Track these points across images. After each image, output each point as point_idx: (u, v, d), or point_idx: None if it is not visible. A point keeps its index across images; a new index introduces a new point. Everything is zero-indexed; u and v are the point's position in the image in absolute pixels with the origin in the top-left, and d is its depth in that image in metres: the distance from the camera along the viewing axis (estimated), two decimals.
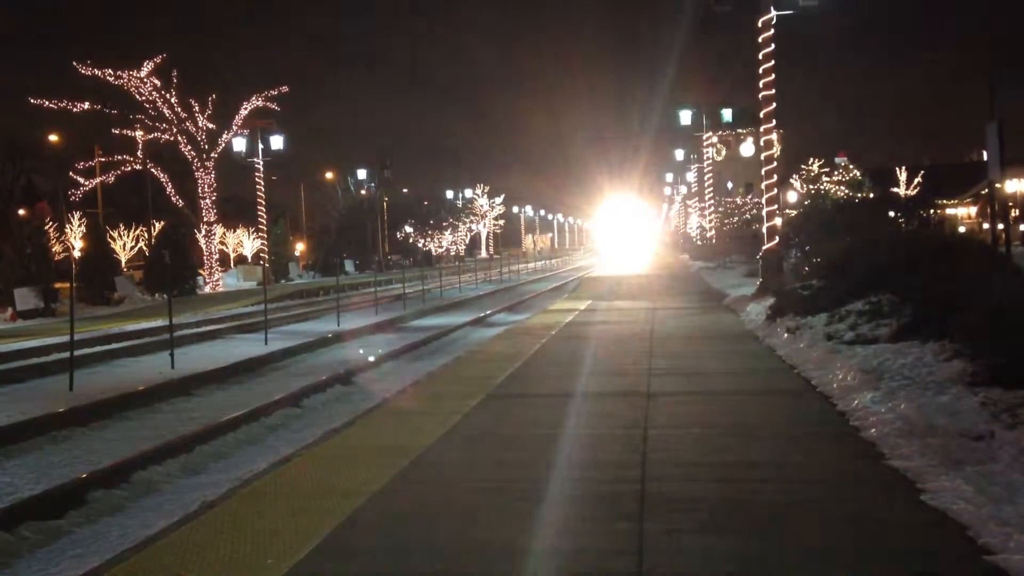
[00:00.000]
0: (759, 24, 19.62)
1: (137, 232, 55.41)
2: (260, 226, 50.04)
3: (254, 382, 14.50)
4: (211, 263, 44.85)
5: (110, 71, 40.78)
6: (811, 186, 73.07)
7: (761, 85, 19.83)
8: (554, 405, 8.67)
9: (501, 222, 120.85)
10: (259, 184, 46.89)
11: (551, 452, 6.71)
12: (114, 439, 10.44)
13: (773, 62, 19.62)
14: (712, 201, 57.06)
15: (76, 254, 45.10)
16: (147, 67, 41.33)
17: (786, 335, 12.16)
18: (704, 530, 4.83)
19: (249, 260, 62.30)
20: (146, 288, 39.32)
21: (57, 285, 31.94)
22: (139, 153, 43.39)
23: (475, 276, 46.18)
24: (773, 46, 19.55)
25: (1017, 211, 53.17)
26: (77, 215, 52.83)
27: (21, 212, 55.13)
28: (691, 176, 75.73)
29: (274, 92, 44.35)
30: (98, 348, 18.97)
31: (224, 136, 44.36)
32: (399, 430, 7.71)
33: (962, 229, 59.73)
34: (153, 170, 44.11)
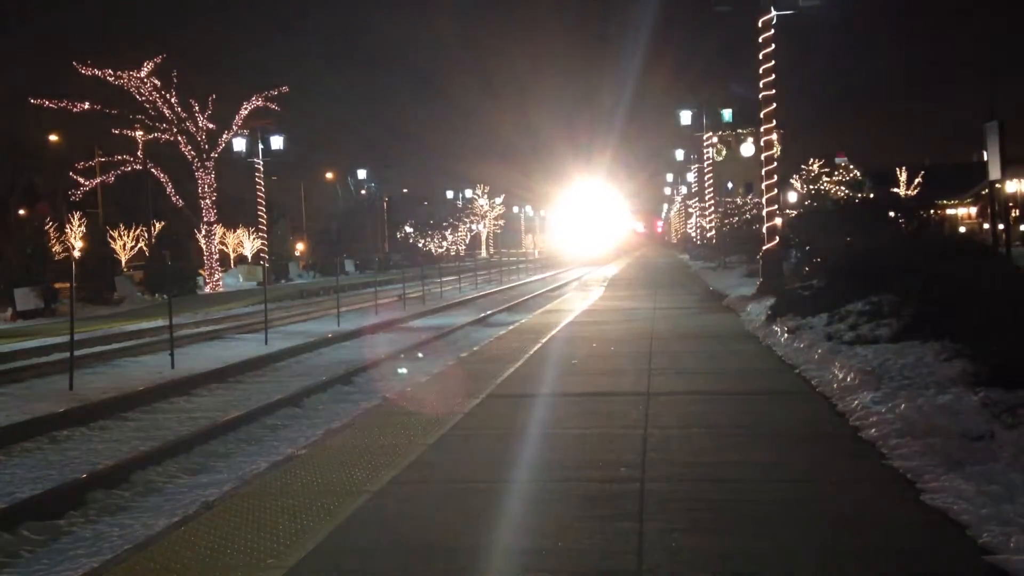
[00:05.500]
0: (759, 24, 19.62)
1: (137, 232, 55.44)
2: (260, 226, 50.07)
3: (254, 382, 14.50)
4: (211, 263, 44.86)
5: (110, 71, 40.79)
6: (811, 186, 73.11)
7: (761, 85, 19.83)
8: (554, 405, 8.67)
9: (501, 222, 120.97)
10: (259, 184, 46.92)
11: (551, 451, 6.71)
12: (114, 439, 10.44)
13: (773, 62, 19.63)
14: (712, 201, 57.08)
15: (76, 254, 45.12)
16: (147, 67, 41.35)
17: (786, 335, 12.15)
18: (704, 530, 4.83)
19: (249, 260, 62.31)
20: (146, 288, 39.34)
21: (57, 285, 31.95)
22: (139, 153, 43.41)
23: (475, 276, 46.19)
24: (773, 46, 19.55)
25: (1017, 211, 53.20)
26: (77, 215, 52.86)
27: (21, 212, 55.21)
28: (691, 176, 75.75)
29: (274, 92, 44.38)
30: (98, 348, 18.98)
31: (224, 136, 44.38)
32: (399, 430, 7.70)
33: (962, 229, 59.78)
34: (153, 170, 44.12)
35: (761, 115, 20.23)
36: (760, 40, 19.62)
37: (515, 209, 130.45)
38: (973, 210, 74.70)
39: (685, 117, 54.16)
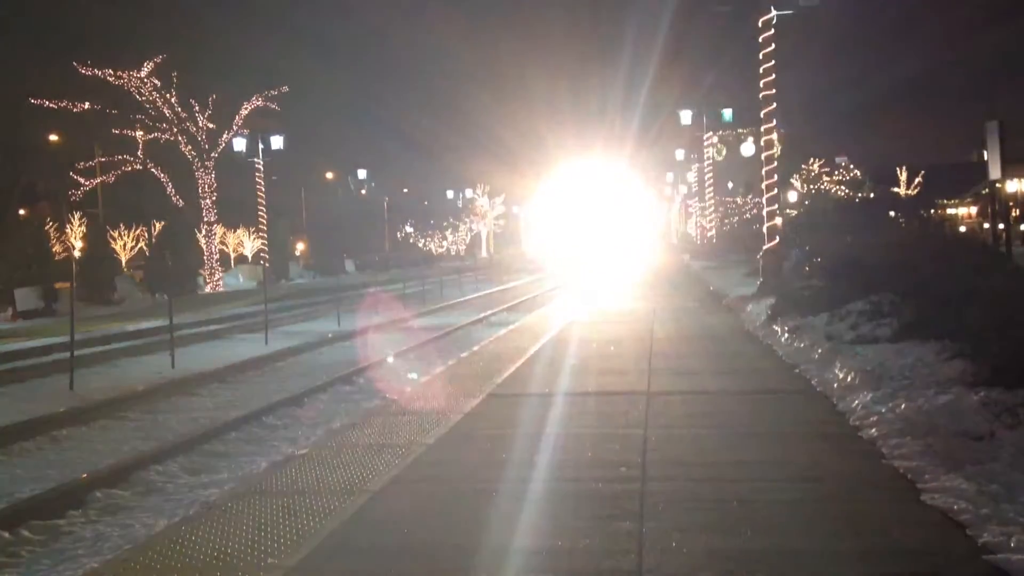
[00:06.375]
0: (759, 24, 19.63)
1: (137, 232, 55.45)
2: (260, 226, 50.06)
3: (255, 382, 14.50)
4: (211, 263, 44.85)
5: (110, 71, 40.79)
6: (811, 186, 73.17)
7: (761, 85, 19.84)
8: (554, 404, 8.67)
9: (502, 222, 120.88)
10: (259, 184, 46.90)
11: (552, 452, 6.71)
12: (114, 439, 10.45)
13: (773, 62, 19.63)
14: (712, 201, 57.09)
15: (76, 254, 45.11)
16: (147, 67, 41.35)
17: (786, 335, 12.15)
18: (704, 530, 4.84)
19: (249, 260, 62.34)
20: (146, 288, 39.34)
21: (58, 285, 31.97)
22: (139, 153, 43.39)
23: (475, 276, 46.19)
24: (773, 46, 19.56)
25: (1017, 211, 53.19)
26: (77, 215, 52.82)
27: (21, 212, 55.15)
28: (691, 176, 75.72)
29: (274, 92, 44.36)
30: (98, 348, 18.98)
31: (224, 136, 44.37)
32: (400, 430, 7.71)
33: (963, 229, 59.77)
34: (153, 170, 44.11)
35: (761, 115, 20.24)
36: (760, 40, 19.63)
37: (515, 209, 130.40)
38: (973, 210, 74.71)
39: (685, 117, 54.14)
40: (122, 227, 54.92)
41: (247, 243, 65.14)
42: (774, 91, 19.83)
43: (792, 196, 66.01)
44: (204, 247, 45.63)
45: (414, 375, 13.65)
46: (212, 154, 44.21)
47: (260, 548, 4.83)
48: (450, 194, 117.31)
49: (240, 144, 44.91)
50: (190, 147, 43.46)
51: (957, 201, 75.91)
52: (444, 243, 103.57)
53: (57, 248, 43.47)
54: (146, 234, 56.04)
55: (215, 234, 45.90)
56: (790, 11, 19.37)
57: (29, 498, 7.77)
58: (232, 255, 65.84)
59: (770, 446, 6.68)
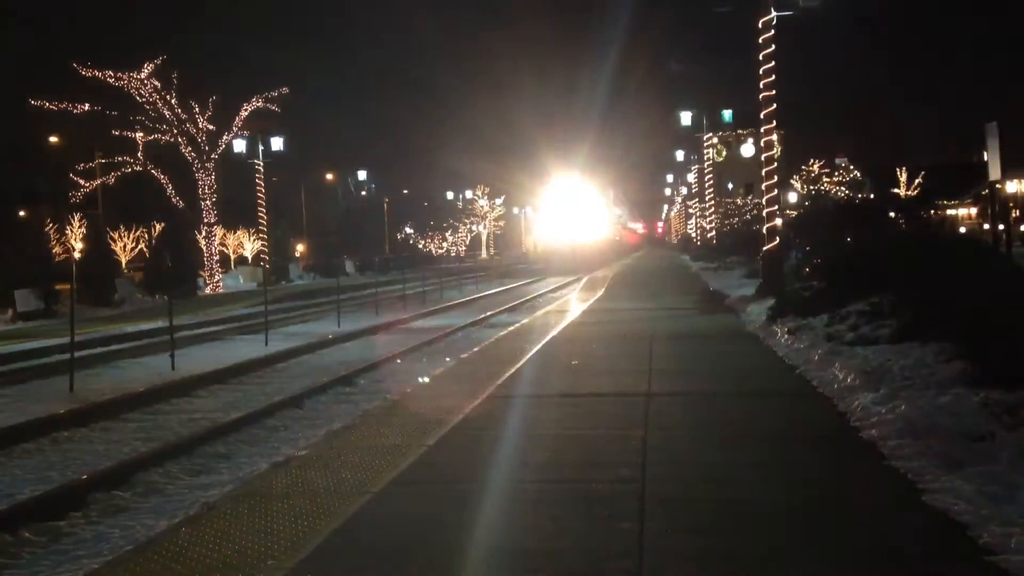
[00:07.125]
0: (759, 24, 19.63)
1: (137, 233, 55.51)
2: (260, 227, 50.08)
3: (255, 383, 14.49)
4: (211, 264, 44.85)
5: (110, 72, 40.80)
6: (811, 187, 73.25)
7: (762, 86, 19.84)
8: (554, 405, 8.67)
9: (502, 223, 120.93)
10: (259, 185, 46.92)
11: (552, 452, 6.71)
12: (115, 440, 10.44)
13: (773, 62, 19.63)
14: (712, 202, 57.12)
15: (76, 255, 45.15)
16: (147, 68, 41.35)
17: (786, 336, 12.16)
18: (704, 531, 4.83)
19: (249, 261, 62.35)
20: (146, 289, 39.36)
21: (58, 286, 31.97)
22: (139, 154, 43.40)
23: (475, 277, 46.18)
24: (773, 46, 19.55)
25: (1017, 211, 53.22)
26: (77, 216, 52.85)
27: (21, 213, 55.22)
28: (691, 176, 75.74)
29: (274, 93, 44.36)
30: (98, 349, 18.97)
31: (224, 137, 44.36)
32: (400, 431, 7.70)
33: (963, 229, 59.85)
34: (153, 171, 44.12)
35: (761, 115, 20.23)
36: (760, 40, 19.63)
37: (515, 210, 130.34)
38: (973, 210, 74.79)
39: (685, 118, 54.21)
40: (122, 228, 55.03)
41: (247, 244, 65.18)
42: (774, 92, 19.83)
43: (792, 197, 66.05)
44: (204, 248, 45.63)
45: (414, 376, 13.64)
46: (212, 155, 44.21)
47: (261, 549, 4.83)
48: (450, 195, 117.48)
49: (240, 145, 44.97)
50: (190, 148, 43.46)
51: (957, 202, 75.99)
52: (444, 244, 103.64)
53: (57, 249, 43.58)
54: (146, 235, 56.12)
55: (215, 235, 45.89)
56: (790, 12, 19.36)
57: (29, 499, 7.76)
58: (232, 256, 65.85)
59: (770, 447, 6.68)
